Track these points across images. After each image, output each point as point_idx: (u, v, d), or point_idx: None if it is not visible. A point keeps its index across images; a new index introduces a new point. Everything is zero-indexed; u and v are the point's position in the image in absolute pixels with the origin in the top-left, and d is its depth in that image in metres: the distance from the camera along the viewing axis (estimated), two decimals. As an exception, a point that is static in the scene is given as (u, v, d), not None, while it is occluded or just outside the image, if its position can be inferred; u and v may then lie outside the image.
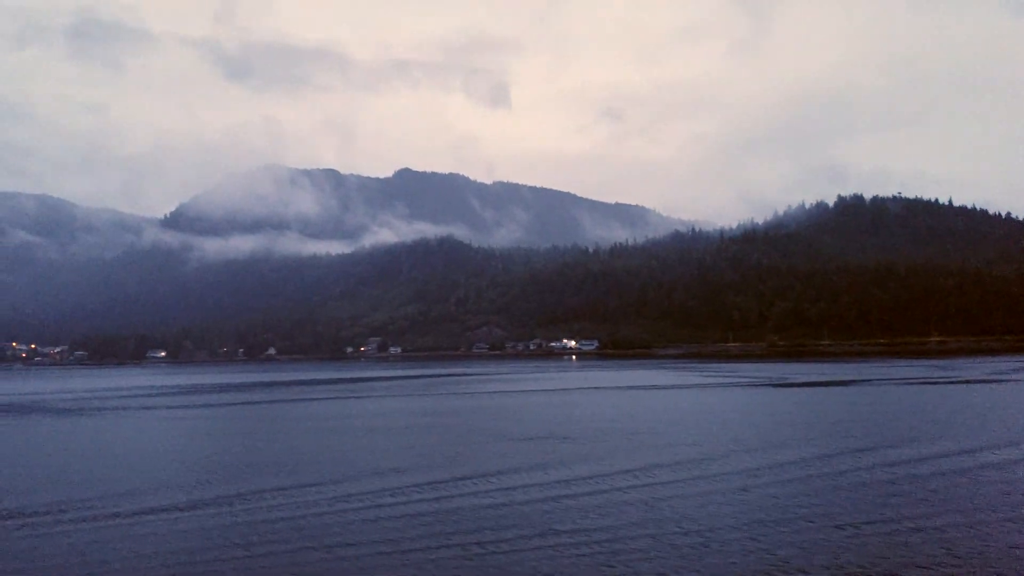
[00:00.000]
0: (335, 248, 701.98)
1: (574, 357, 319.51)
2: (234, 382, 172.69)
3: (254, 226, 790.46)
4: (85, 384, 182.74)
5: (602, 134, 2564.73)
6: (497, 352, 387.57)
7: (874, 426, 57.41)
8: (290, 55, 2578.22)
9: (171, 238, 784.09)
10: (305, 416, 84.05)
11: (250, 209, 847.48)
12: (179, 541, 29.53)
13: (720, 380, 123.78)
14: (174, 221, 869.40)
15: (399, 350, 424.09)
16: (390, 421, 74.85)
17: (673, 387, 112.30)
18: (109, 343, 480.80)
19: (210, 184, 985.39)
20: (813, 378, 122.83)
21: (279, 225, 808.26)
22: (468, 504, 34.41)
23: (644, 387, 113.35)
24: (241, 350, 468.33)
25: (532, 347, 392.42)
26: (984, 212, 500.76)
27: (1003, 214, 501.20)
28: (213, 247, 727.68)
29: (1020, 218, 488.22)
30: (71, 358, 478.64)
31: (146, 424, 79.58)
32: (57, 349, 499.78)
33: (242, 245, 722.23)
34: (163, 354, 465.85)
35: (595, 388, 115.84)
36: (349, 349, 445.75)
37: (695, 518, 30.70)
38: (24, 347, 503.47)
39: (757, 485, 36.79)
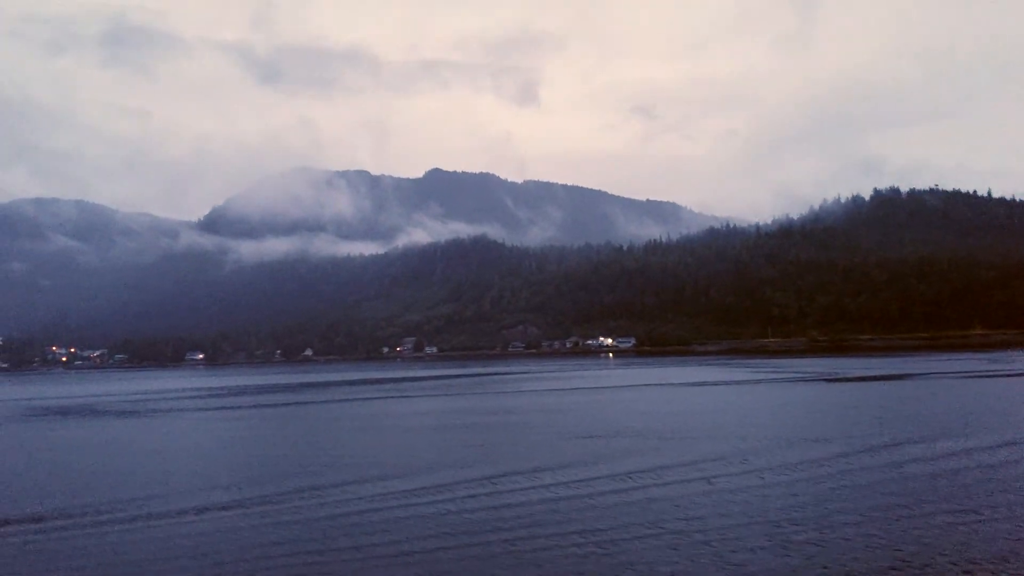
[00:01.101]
0: (369, 249, 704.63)
1: (611, 355, 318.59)
2: (278, 383, 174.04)
3: (290, 228, 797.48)
4: (131, 387, 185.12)
5: (634, 131, 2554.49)
6: (533, 351, 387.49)
7: (945, 417, 56.44)
8: (321, 57, 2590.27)
9: (207, 241, 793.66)
10: (360, 415, 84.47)
11: (285, 211, 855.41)
12: (257, 536, 29.76)
13: (768, 376, 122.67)
14: (210, 224, 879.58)
15: (435, 350, 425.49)
16: (446, 419, 75.07)
17: (722, 383, 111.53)
18: (148, 346, 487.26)
19: (246, 187, 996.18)
20: (863, 372, 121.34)
21: (314, 227, 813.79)
22: (548, 496, 34.26)
23: (692, 384, 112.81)
24: (278, 351, 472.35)
25: (568, 345, 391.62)
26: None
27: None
28: (249, 249, 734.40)
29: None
30: (111, 361, 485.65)
31: (206, 425, 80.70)
32: (97, 352, 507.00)
33: (277, 247, 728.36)
34: (201, 356, 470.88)
35: (643, 385, 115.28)
36: (385, 349, 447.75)
37: (777, 508, 30.29)
38: (64, 351, 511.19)
39: (833, 474, 36.38)
